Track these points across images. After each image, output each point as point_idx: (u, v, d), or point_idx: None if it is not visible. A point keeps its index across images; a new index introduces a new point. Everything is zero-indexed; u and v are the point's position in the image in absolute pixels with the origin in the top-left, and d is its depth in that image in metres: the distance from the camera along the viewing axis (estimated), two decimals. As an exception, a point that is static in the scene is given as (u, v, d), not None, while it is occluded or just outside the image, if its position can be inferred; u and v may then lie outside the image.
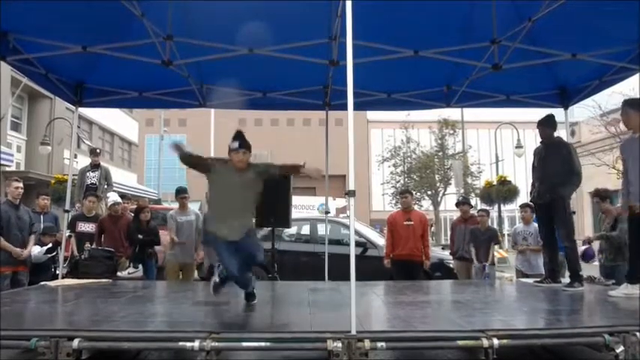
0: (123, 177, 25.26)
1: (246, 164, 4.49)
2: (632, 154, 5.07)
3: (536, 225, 7.43)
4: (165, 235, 8.19)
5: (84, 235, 7.34)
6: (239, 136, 4.55)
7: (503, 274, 7.62)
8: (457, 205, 8.54)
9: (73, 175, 8.52)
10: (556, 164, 5.78)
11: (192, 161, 4.60)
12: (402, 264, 7.34)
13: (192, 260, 7.59)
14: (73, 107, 7.61)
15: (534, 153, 6.21)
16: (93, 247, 7.12)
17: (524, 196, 13.66)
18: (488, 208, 14.78)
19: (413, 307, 4.78)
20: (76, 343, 3.25)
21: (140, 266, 7.56)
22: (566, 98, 7.47)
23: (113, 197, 7.81)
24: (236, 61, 6.23)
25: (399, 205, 7.98)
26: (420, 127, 32.50)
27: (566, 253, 5.83)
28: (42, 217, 7.26)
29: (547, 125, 6.00)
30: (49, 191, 9.14)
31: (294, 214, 8.28)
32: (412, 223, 7.37)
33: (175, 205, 8.41)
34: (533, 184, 6.14)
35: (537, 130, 6.12)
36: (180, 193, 7.80)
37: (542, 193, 5.89)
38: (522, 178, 6.46)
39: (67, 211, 7.17)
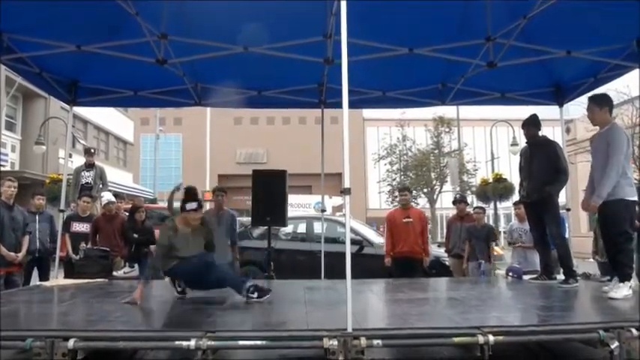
0: (118, 176, 25.19)
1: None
2: (595, 150, 5.16)
3: None
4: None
5: (79, 235, 7.31)
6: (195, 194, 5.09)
7: (500, 271, 7.63)
8: (454, 203, 8.56)
9: (68, 174, 8.49)
10: (543, 163, 5.82)
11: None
12: (402, 262, 7.36)
13: None
14: (67, 107, 7.58)
15: (521, 154, 6.28)
16: (88, 246, 7.09)
17: (519, 194, 13.72)
18: (484, 205, 14.84)
19: (409, 304, 4.79)
20: (71, 343, 3.24)
21: (136, 266, 7.53)
22: (562, 96, 7.49)
23: (107, 197, 7.77)
24: (231, 60, 6.23)
25: (396, 203, 8.01)
26: (416, 125, 32.49)
27: (557, 250, 5.87)
28: (37, 216, 7.23)
29: (531, 125, 6.04)
30: (44, 191, 9.09)
31: (290, 212, 8.28)
32: (411, 220, 7.40)
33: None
34: (521, 184, 6.19)
35: (522, 131, 6.16)
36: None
37: (530, 192, 5.93)
38: (518, 176, 6.51)
39: (62, 211, 7.14)
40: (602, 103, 5.16)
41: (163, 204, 17.73)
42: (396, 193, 8.57)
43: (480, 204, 15.31)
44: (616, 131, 5.00)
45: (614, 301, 4.62)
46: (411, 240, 7.33)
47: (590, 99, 5.30)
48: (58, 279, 6.77)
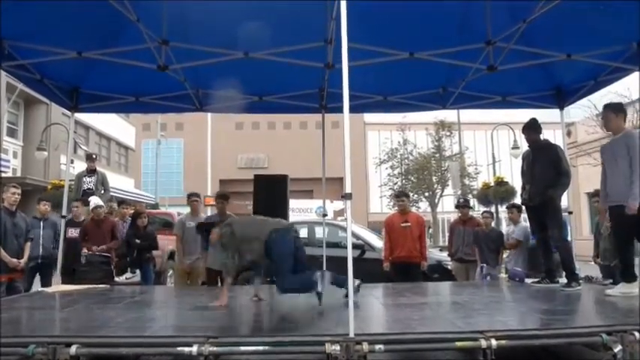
0: (120, 182, 25.19)
1: None
2: (611, 155, 5.19)
3: (523, 225, 7.49)
4: (163, 240, 8.16)
5: (72, 241, 7.18)
6: None
7: (503, 275, 7.62)
8: (457, 207, 8.55)
9: (70, 180, 8.50)
10: (545, 166, 5.84)
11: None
12: (400, 266, 7.35)
13: (199, 263, 7.47)
14: (69, 113, 7.60)
15: (522, 157, 6.31)
16: (90, 253, 7.08)
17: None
18: (486, 209, 14.81)
19: (411, 308, 4.78)
20: (73, 349, 3.24)
21: (138, 271, 7.53)
22: (562, 99, 7.49)
23: (94, 201, 7.70)
24: (232, 65, 6.24)
25: (397, 208, 8.01)
26: (417, 129, 32.51)
27: (559, 254, 5.87)
28: (42, 223, 7.22)
29: (531, 130, 6.07)
30: (49, 197, 9.08)
31: (292, 217, 8.28)
32: (409, 224, 7.39)
33: (172, 210, 8.40)
34: (523, 187, 6.19)
35: (523, 136, 6.19)
36: (190, 197, 7.73)
37: (532, 195, 5.93)
38: (519, 179, 6.56)
39: (64, 217, 7.14)
40: (617, 110, 5.29)
41: (165, 209, 17.75)
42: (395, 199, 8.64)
43: (483, 208, 15.31)
44: (636, 137, 5.09)
45: (616, 304, 4.64)
46: (408, 244, 7.32)
47: (607, 106, 5.39)
48: (59, 285, 6.76)
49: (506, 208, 8.30)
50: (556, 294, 5.46)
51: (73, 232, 7.32)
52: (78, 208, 7.61)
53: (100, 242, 7.16)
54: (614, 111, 5.26)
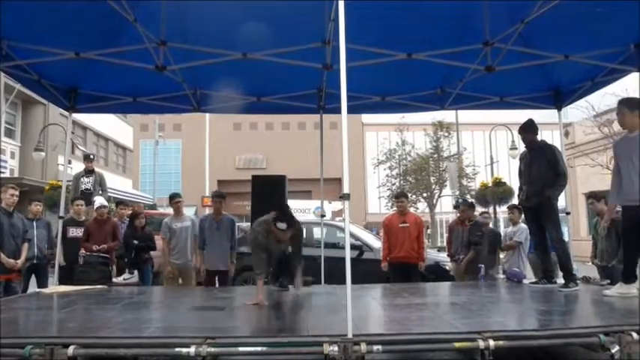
0: (118, 182, 25.19)
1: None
2: (626, 153, 5.06)
3: (522, 226, 7.50)
4: (159, 241, 8.14)
5: (76, 240, 7.20)
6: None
7: (500, 275, 7.63)
8: (455, 207, 8.55)
9: (68, 180, 8.48)
10: (542, 167, 5.83)
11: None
12: (399, 266, 7.36)
13: (190, 264, 7.50)
14: (67, 113, 7.58)
15: (520, 158, 6.32)
16: (88, 253, 7.06)
17: (519, 198, 13.76)
18: (485, 210, 14.82)
19: (409, 309, 4.78)
20: (71, 350, 3.23)
21: (136, 272, 7.51)
22: (560, 100, 7.50)
23: (99, 201, 7.68)
24: (230, 66, 6.23)
25: (395, 208, 8.01)
26: (415, 130, 32.57)
27: (557, 254, 5.88)
28: (34, 223, 7.20)
29: (528, 130, 6.06)
30: (41, 197, 9.06)
31: (290, 217, 8.23)
32: (408, 225, 7.41)
33: (170, 211, 8.36)
34: (520, 188, 6.20)
35: (520, 137, 6.20)
36: (174, 199, 7.73)
37: (530, 196, 5.93)
38: (517, 179, 6.61)
39: (62, 218, 7.11)
40: (632, 106, 5.06)
41: (163, 210, 17.71)
42: (394, 200, 8.67)
43: (482, 209, 15.33)
44: None
45: (614, 305, 4.64)
46: (407, 245, 7.33)
47: (622, 102, 5.18)
48: (57, 286, 6.75)
49: (507, 208, 8.31)
50: (554, 294, 5.47)
51: (74, 232, 7.30)
52: (81, 207, 7.60)
53: (101, 243, 7.17)
54: (629, 107, 5.05)
